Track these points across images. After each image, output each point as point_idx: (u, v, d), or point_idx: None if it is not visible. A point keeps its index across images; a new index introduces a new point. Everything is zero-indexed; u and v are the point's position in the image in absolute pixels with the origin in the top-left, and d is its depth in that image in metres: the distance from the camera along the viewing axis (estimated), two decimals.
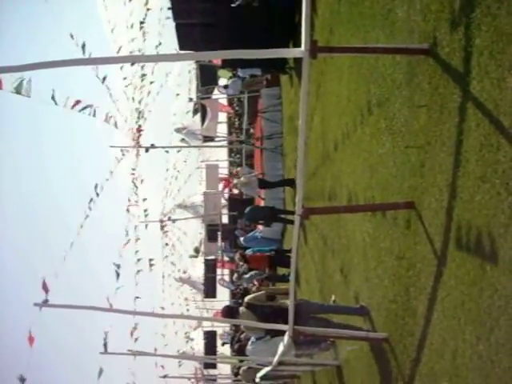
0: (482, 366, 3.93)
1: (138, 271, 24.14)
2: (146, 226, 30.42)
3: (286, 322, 6.79)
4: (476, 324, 4.04)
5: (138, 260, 24.69)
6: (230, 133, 32.85)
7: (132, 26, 19.37)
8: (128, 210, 25.45)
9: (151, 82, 21.82)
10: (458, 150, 4.32)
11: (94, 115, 15.14)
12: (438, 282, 4.71)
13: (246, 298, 8.39)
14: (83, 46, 13.44)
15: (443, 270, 4.62)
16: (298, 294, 12.00)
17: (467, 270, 4.19)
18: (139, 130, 23.47)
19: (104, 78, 16.46)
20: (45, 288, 7.68)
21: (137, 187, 26.02)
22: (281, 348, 7.30)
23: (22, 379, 8.68)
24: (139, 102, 22.65)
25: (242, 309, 8.31)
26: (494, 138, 3.80)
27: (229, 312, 9.86)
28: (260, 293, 8.45)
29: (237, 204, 25.85)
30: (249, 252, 15.69)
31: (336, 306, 8.38)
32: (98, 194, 16.45)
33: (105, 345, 11.46)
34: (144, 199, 27.62)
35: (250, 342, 8.90)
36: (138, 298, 21.24)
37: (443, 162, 4.61)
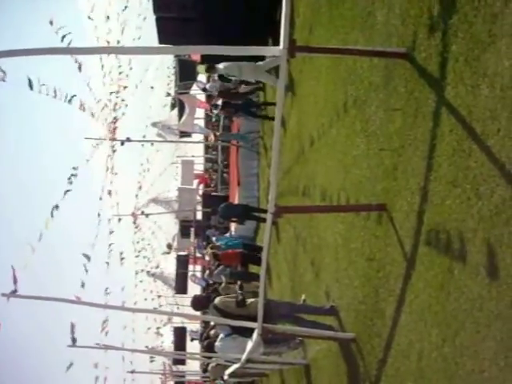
0: (447, 367, 3.98)
1: (109, 264, 23.99)
2: (120, 219, 30.23)
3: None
4: (442, 326, 4.09)
5: (110, 252, 24.53)
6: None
7: (109, 17, 19.22)
8: (101, 199, 25.28)
9: (127, 75, 21.68)
10: (430, 154, 4.37)
11: (70, 102, 14.95)
12: (407, 284, 4.76)
13: (216, 300, 8.22)
14: (63, 36, 13.26)
15: (412, 273, 4.67)
16: (270, 292, 12.01)
17: (435, 273, 4.24)
18: (115, 121, 23.27)
19: (80, 66, 16.29)
20: (14, 278, 7.54)
21: (111, 180, 25.84)
22: (249, 345, 7.30)
23: None
24: (116, 94, 22.48)
25: (211, 307, 8.23)
26: (466, 144, 3.85)
27: (198, 303, 9.70)
28: (230, 299, 8.22)
29: (211, 201, 25.82)
30: (220, 243, 15.43)
31: (306, 306, 8.38)
32: (71, 183, 16.29)
33: (73, 338, 11.30)
34: (116, 192, 27.47)
35: (218, 339, 8.86)
36: (107, 292, 21.08)
37: (416, 165, 4.66)
